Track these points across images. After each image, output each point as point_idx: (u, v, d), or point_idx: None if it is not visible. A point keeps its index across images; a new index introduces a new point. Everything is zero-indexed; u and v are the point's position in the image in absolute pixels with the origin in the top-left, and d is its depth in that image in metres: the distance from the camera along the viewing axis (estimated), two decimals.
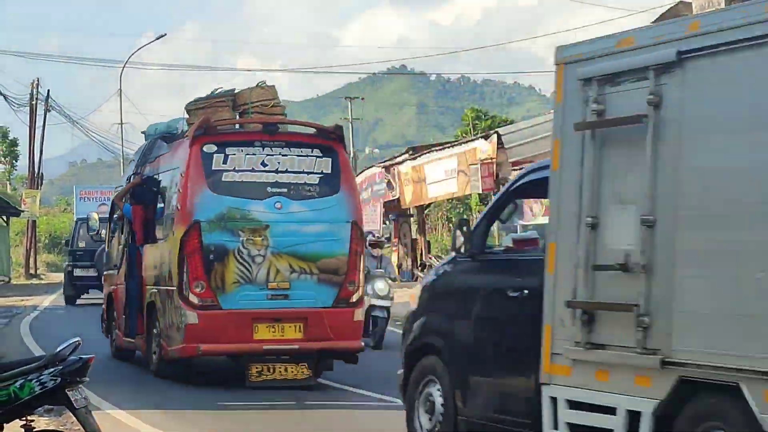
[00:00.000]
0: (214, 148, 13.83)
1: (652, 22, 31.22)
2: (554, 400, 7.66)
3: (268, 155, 13.97)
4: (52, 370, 7.06)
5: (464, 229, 8.97)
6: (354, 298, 14.08)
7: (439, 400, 9.06)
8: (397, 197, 34.33)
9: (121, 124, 59.95)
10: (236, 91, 15.14)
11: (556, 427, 7.63)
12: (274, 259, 13.68)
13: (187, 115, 15.23)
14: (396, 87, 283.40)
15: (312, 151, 14.15)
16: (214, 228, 13.61)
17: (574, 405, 7.53)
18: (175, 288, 13.74)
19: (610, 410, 7.18)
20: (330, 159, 14.17)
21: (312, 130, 15.04)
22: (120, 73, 59.07)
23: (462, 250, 8.97)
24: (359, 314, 14.29)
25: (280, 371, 13.60)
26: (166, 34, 61.78)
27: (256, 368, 13.54)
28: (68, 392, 7.06)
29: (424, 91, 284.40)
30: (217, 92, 15.32)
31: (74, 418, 7.38)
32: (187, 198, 13.71)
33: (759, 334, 6.28)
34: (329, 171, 14.12)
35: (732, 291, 6.51)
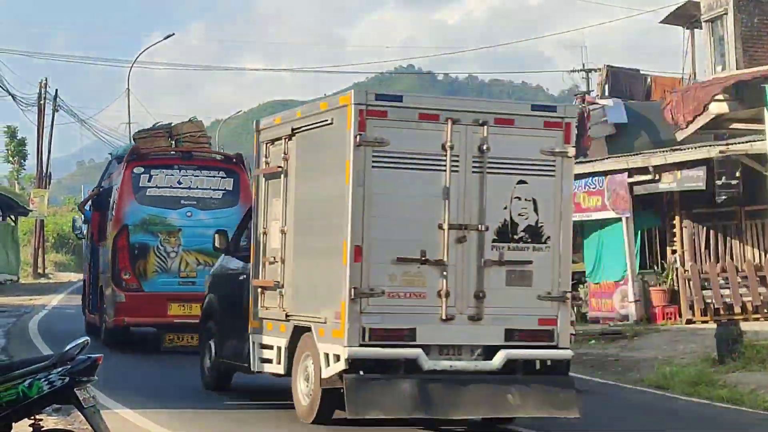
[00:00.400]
0: (142, 169, 18.16)
1: (660, 22, 31.06)
2: (254, 344, 12.00)
3: (183, 176, 18.21)
4: (60, 369, 7.07)
5: (221, 235, 13.82)
6: None
7: (212, 349, 13.58)
8: None
9: (129, 123, 60.06)
10: (172, 124, 19.38)
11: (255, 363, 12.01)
12: (184, 255, 17.95)
13: (134, 142, 19.71)
14: (404, 86, 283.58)
15: (218, 173, 18.46)
16: (139, 230, 17.90)
17: (262, 346, 11.85)
18: (110, 275, 18.07)
19: (272, 347, 11.56)
20: (232, 179, 18.39)
21: (219, 157, 19.76)
22: (128, 72, 59.20)
23: (221, 248, 13.90)
24: None
25: (188, 339, 17.39)
26: (174, 34, 61.98)
27: (169, 337, 17.76)
28: (77, 391, 7.07)
29: (431, 90, 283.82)
30: (157, 125, 19.83)
31: (82, 418, 7.39)
32: (119, 207, 18.05)
33: (317, 301, 10.73)
34: (230, 188, 18.36)
35: (310, 274, 11.04)
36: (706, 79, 27.20)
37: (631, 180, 22.80)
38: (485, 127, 10.30)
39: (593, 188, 23.63)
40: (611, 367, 17.68)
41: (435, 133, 10.31)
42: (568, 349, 10.72)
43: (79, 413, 7.35)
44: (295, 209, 11.22)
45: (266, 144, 11.97)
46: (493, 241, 10.42)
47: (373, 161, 10.15)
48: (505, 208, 10.46)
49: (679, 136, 26.33)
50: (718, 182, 21.01)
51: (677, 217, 23.09)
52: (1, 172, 76.55)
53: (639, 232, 23.55)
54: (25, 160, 73.15)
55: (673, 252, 23.13)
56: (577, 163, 24.89)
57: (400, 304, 10.24)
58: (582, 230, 25.69)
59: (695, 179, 21.52)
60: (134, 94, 56.88)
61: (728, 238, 22.58)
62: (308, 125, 11.12)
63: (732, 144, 21.65)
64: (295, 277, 11.20)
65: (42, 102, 45.68)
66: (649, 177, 22.41)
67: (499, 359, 10.42)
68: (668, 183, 22.18)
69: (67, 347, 7.23)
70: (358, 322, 10.09)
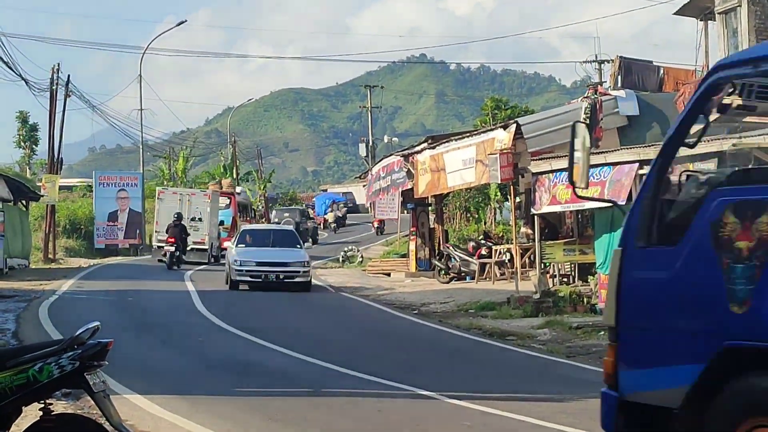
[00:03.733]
0: None
1: (674, 13, 30.88)
2: None
3: None
4: (70, 353, 7.08)
5: None
6: None
7: None
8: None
9: (141, 110, 60.11)
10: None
11: None
12: None
13: None
14: (416, 75, 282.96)
15: None
16: None
17: None
18: None
19: None
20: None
21: None
22: (140, 58, 59.29)
23: None
24: None
25: None
26: (186, 21, 61.93)
27: None
28: (87, 376, 7.08)
29: (443, 80, 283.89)
30: None
31: (92, 402, 7.40)
32: None
33: None
34: None
35: None
36: None
37: (642, 172, 22.75)
38: None
39: (596, 179, 23.58)
40: None
41: None
42: None
43: (89, 398, 7.36)
44: None
45: None
46: None
47: None
48: None
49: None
50: None
51: None
52: (12, 157, 76.66)
53: None
54: (36, 146, 73.35)
55: None
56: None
57: None
58: (592, 222, 25.66)
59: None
60: (145, 81, 56.92)
61: None
62: None
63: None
64: None
65: (54, 87, 45.68)
66: None
67: None
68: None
69: (78, 332, 7.24)
70: None
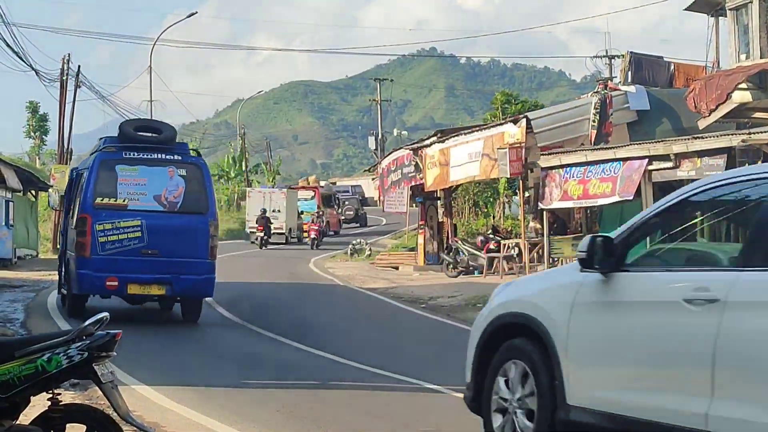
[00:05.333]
0: None
1: (685, 9, 30.84)
2: None
3: None
4: (79, 344, 7.09)
5: None
6: None
7: None
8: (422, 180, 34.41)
9: (151, 101, 60.20)
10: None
11: None
12: None
13: None
14: (425, 69, 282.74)
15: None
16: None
17: None
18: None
19: None
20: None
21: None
22: (150, 49, 59.29)
23: None
24: None
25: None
26: (196, 12, 61.94)
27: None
28: (95, 366, 7.08)
29: (452, 73, 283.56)
30: None
31: (100, 393, 7.41)
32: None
33: None
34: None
35: None
36: (730, 68, 27.08)
37: (651, 167, 22.75)
38: None
39: (607, 175, 23.59)
40: None
41: None
42: None
43: (97, 388, 7.37)
44: None
45: None
46: None
47: None
48: None
49: (701, 124, 26.24)
50: None
51: None
52: (22, 147, 76.78)
53: None
54: (46, 136, 73.59)
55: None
56: (597, 149, 24.94)
57: None
58: (600, 217, 25.67)
59: (716, 168, 21.44)
60: (155, 72, 57.01)
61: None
62: None
63: (754, 133, 21.55)
64: None
65: (65, 78, 45.75)
66: (669, 164, 22.35)
67: None
68: (687, 171, 22.11)
69: (86, 322, 7.25)
70: None
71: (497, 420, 8.32)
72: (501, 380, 8.35)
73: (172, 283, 18.09)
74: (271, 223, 50.66)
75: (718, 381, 6.76)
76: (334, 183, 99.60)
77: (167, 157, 18.37)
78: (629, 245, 7.75)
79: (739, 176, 7.45)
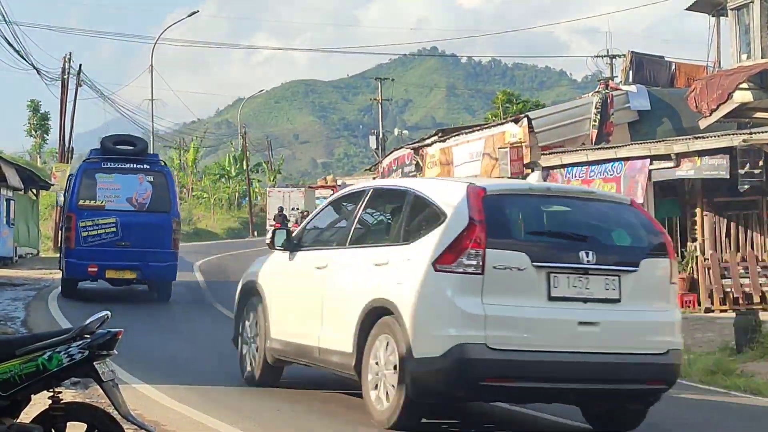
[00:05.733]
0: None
1: (686, 8, 30.86)
2: None
3: None
4: (80, 342, 7.09)
5: None
6: None
7: None
8: None
9: (152, 100, 60.21)
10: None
11: None
12: None
13: None
14: (426, 68, 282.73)
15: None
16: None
17: None
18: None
19: None
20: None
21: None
22: (152, 48, 59.29)
23: None
24: None
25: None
26: (198, 11, 61.93)
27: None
28: (96, 365, 7.08)
29: (454, 73, 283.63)
30: None
31: (101, 391, 7.41)
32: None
33: None
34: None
35: None
36: (731, 68, 27.08)
37: (652, 167, 22.74)
38: None
39: (610, 175, 23.57)
40: None
41: None
42: None
43: (98, 387, 7.37)
44: None
45: None
46: None
47: None
48: None
49: (702, 124, 26.24)
50: (741, 171, 20.95)
51: (698, 206, 23.02)
52: (23, 146, 76.83)
53: (660, 220, 23.49)
54: (47, 135, 73.55)
55: (694, 240, 23.08)
56: (598, 149, 24.94)
57: None
58: None
59: (717, 168, 21.44)
60: (156, 71, 57.08)
61: (749, 228, 22.51)
62: None
63: (755, 133, 21.56)
64: None
65: (66, 76, 45.77)
66: (670, 164, 22.35)
67: None
68: (687, 170, 22.10)
69: (87, 321, 7.25)
70: None
71: (244, 350, 12.57)
72: (246, 323, 12.51)
73: (142, 269, 22.12)
74: (288, 221, 53.47)
75: (324, 315, 10.83)
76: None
77: (137, 166, 22.56)
78: (302, 234, 11.96)
79: (347, 191, 12.09)
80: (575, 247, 9.38)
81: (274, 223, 53.35)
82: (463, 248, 9.13)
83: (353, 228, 10.95)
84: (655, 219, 10.68)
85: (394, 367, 9.55)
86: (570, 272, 9.27)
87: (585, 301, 9.31)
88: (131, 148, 22.97)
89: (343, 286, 10.54)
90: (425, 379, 9.28)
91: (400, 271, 9.64)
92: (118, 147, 22.91)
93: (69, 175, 25.54)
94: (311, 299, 10.97)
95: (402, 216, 10.19)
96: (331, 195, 69.30)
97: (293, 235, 11.86)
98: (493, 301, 9.07)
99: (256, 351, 12.09)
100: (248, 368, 12.38)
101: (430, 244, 9.40)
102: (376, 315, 9.86)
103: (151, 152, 24.88)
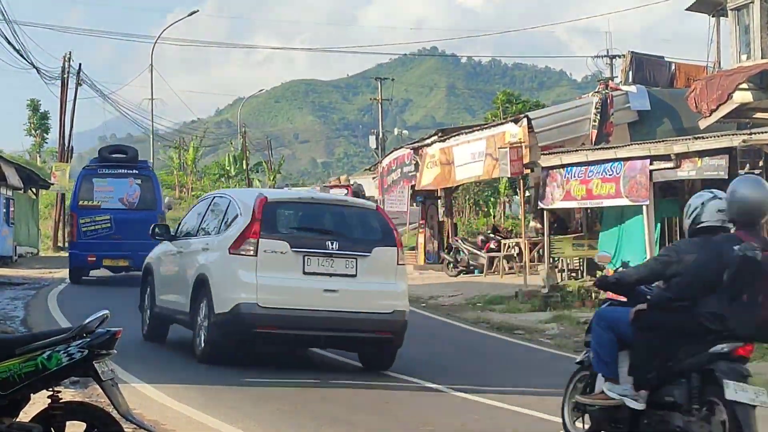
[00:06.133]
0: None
1: (686, 9, 30.86)
2: None
3: None
4: (79, 342, 7.09)
5: None
6: None
7: None
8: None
9: (152, 99, 60.24)
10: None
11: None
12: None
13: None
14: (426, 68, 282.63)
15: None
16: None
17: None
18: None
19: None
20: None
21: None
22: (152, 48, 59.34)
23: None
24: None
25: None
26: (198, 10, 61.97)
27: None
28: (95, 364, 7.08)
29: (454, 73, 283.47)
30: None
31: (100, 391, 7.41)
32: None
33: None
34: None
35: None
36: (731, 68, 27.07)
37: (652, 167, 22.72)
38: None
39: (609, 175, 23.53)
40: None
41: None
42: None
43: (97, 386, 7.37)
44: None
45: None
46: None
47: None
48: None
49: (702, 124, 26.23)
50: (741, 172, 20.93)
51: None
52: (23, 145, 76.83)
53: (659, 220, 23.49)
54: (47, 134, 73.53)
55: None
56: (598, 149, 24.92)
57: None
58: (601, 218, 25.66)
59: (717, 168, 21.42)
60: (156, 70, 57.10)
61: None
62: None
63: (755, 133, 21.54)
64: None
65: (65, 76, 45.77)
66: (670, 165, 22.33)
67: None
68: (687, 171, 22.08)
69: (87, 320, 7.25)
70: None
71: (144, 316, 16.35)
72: (146, 295, 16.28)
73: (134, 258, 24.62)
74: None
75: (179, 285, 14.71)
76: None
77: (128, 171, 26.59)
78: (177, 227, 15.95)
79: (204, 196, 16.94)
80: (324, 238, 13.39)
81: None
82: (245, 238, 13.22)
83: (200, 223, 15.07)
84: (390, 219, 14.35)
85: (207, 320, 13.49)
86: (319, 255, 13.26)
87: (330, 275, 13.27)
88: (124, 156, 27.05)
89: (186, 265, 14.61)
90: (221, 327, 13.27)
91: (213, 253, 13.81)
92: (112, 155, 27.05)
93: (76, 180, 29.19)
94: (174, 274, 15.29)
95: (222, 214, 14.30)
96: (346, 194, 69.69)
97: (175, 228, 16.12)
98: (263, 275, 13.10)
99: (149, 315, 16.05)
100: (144, 329, 16.16)
101: (229, 234, 13.56)
102: (200, 284, 13.79)
103: (142, 159, 28.85)
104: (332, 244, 13.26)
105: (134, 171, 26.70)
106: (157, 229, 15.92)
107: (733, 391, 7.58)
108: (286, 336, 13.36)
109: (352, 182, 74.03)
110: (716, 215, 8.09)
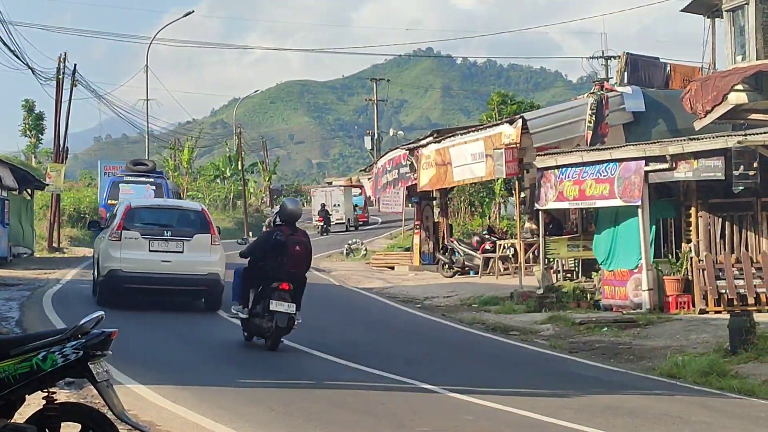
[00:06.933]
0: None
1: (682, 10, 30.87)
2: None
3: None
4: (74, 343, 7.09)
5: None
6: None
7: None
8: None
9: (147, 100, 60.19)
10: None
11: None
12: None
13: None
14: (421, 69, 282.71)
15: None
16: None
17: None
18: None
19: None
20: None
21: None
22: (147, 48, 59.27)
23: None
24: None
25: None
26: (193, 11, 61.89)
27: None
28: (90, 365, 7.08)
29: (449, 74, 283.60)
30: None
31: (95, 391, 7.41)
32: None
33: None
34: None
35: None
36: (726, 69, 27.09)
37: (647, 168, 22.73)
38: None
39: (603, 176, 23.53)
40: (623, 355, 17.69)
41: None
42: None
43: (92, 387, 7.36)
44: None
45: None
46: None
47: None
48: None
49: (697, 125, 26.24)
50: (736, 172, 20.94)
51: (693, 207, 23.02)
52: (18, 146, 76.72)
53: (654, 221, 23.49)
54: (42, 134, 73.41)
55: (688, 242, 23.09)
56: (593, 150, 24.94)
57: None
58: (596, 218, 25.65)
59: (712, 169, 21.44)
60: (151, 71, 57.02)
61: (744, 229, 22.53)
62: None
63: (750, 134, 21.56)
64: None
65: (60, 76, 45.69)
66: (665, 166, 22.34)
67: None
68: (684, 172, 22.10)
69: (82, 321, 7.24)
70: None
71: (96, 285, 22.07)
72: (94, 270, 22.18)
73: None
74: (330, 215, 66.07)
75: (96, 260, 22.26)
76: (330, 183, 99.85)
77: (146, 179, 35.61)
78: (105, 220, 23.44)
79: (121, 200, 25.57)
80: (162, 229, 20.73)
81: (318, 217, 66.07)
82: (117, 229, 20.62)
83: (109, 219, 22.45)
84: (209, 216, 21.52)
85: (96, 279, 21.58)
86: (159, 240, 20.53)
87: (166, 252, 20.49)
88: (145, 167, 37.36)
89: (97, 245, 22.26)
90: (102, 285, 20.92)
91: (104, 239, 21.20)
92: (136, 167, 37.45)
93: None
94: (96, 252, 22.15)
95: (114, 215, 21.56)
96: (360, 193, 76.22)
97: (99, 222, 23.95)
98: (125, 253, 20.42)
99: (96, 284, 21.95)
100: (96, 296, 21.74)
101: (111, 227, 20.99)
102: (97, 258, 21.68)
103: (157, 169, 37.65)
104: (167, 233, 20.69)
105: (150, 179, 35.74)
106: (90, 222, 25.81)
107: (275, 305, 15.44)
108: (141, 289, 20.64)
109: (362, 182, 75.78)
110: (278, 218, 16.22)
